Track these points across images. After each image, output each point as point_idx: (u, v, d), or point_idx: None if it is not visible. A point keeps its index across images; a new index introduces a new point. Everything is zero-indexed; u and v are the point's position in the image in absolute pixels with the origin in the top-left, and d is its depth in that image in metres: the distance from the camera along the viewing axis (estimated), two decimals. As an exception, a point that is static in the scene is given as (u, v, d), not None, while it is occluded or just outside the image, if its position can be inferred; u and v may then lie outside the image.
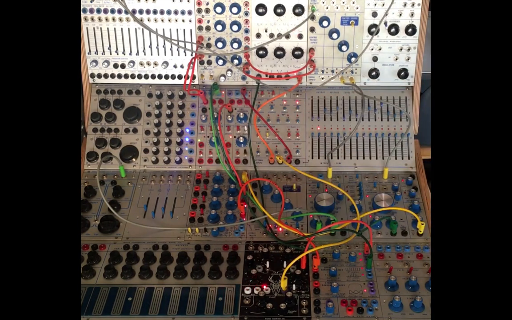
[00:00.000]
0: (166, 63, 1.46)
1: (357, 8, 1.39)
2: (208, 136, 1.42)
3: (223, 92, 1.46)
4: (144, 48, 1.45)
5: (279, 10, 1.39)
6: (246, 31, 1.42)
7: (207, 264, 1.18)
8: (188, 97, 1.46)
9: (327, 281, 1.14)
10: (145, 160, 1.41)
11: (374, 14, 1.39)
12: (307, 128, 1.42)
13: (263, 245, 1.22)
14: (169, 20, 1.42)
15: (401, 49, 1.42)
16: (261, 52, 1.43)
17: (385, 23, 1.40)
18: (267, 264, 1.17)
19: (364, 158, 1.40)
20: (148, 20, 1.42)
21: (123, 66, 1.46)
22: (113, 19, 1.42)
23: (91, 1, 1.41)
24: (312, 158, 1.40)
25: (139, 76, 1.47)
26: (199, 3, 1.40)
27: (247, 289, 1.12)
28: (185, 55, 1.46)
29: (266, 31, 1.42)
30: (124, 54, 1.46)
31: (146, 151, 1.41)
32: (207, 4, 1.40)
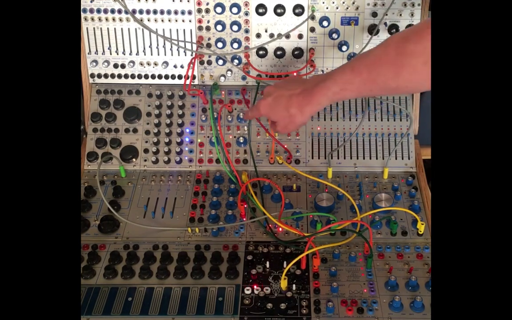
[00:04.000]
0: (166, 63, 1.46)
1: (357, 8, 1.39)
2: (208, 136, 1.42)
3: (223, 92, 1.46)
4: (144, 48, 1.45)
5: (279, 10, 1.39)
6: (246, 31, 1.42)
7: (207, 264, 1.18)
8: (188, 97, 1.46)
9: (327, 281, 1.14)
10: (145, 160, 1.41)
11: (374, 14, 1.39)
12: (307, 128, 1.42)
13: (263, 245, 1.22)
14: (169, 20, 1.42)
15: (401, 49, 1.42)
16: (261, 52, 1.43)
17: (385, 23, 1.40)
18: (267, 264, 1.17)
19: (364, 158, 1.40)
20: (148, 20, 1.42)
21: (123, 66, 1.47)
22: (113, 19, 1.42)
23: (91, 1, 1.41)
24: (312, 158, 1.40)
25: (139, 76, 1.47)
26: (199, 3, 1.40)
27: (247, 289, 1.12)
28: (185, 55, 1.46)
29: (266, 31, 1.42)
30: (124, 54, 1.46)
31: (146, 151, 1.41)
32: (207, 4, 1.40)
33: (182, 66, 1.46)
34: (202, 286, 1.13)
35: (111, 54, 1.46)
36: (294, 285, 1.12)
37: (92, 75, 1.47)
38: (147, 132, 1.43)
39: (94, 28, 1.43)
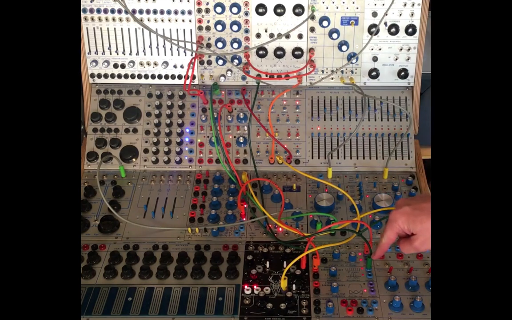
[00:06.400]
0: (166, 63, 1.46)
1: (357, 8, 1.39)
2: (208, 136, 1.42)
3: (223, 92, 1.46)
4: (144, 48, 1.45)
5: (279, 10, 1.39)
6: (246, 31, 1.42)
7: (207, 264, 1.18)
8: (188, 97, 1.46)
9: (327, 281, 1.14)
10: (145, 160, 1.41)
11: (374, 14, 1.39)
12: (307, 128, 1.42)
13: (263, 245, 1.22)
14: (169, 20, 1.42)
15: (401, 49, 1.42)
16: (261, 52, 1.43)
17: (385, 23, 1.40)
18: (267, 264, 1.17)
19: (364, 158, 1.40)
20: (148, 20, 1.42)
21: (123, 66, 1.46)
22: (113, 19, 1.42)
23: (91, 1, 1.41)
24: (312, 158, 1.40)
25: (139, 76, 1.47)
26: (199, 3, 1.40)
27: (247, 289, 1.12)
28: (185, 55, 1.46)
29: (266, 31, 1.42)
30: (124, 54, 1.46)
31: (146, 151, 1.41)
32: (207, 4, 1.40)
33: (182, 66, 1.46)
34: (202, 286, 1.13)
35: (111, 54, 1.46)
36: (294, 285, 1.12)
37: (92, 75, 1.47)
38: (147, 132, 1.42)
39: (94, 28, 1.43)
